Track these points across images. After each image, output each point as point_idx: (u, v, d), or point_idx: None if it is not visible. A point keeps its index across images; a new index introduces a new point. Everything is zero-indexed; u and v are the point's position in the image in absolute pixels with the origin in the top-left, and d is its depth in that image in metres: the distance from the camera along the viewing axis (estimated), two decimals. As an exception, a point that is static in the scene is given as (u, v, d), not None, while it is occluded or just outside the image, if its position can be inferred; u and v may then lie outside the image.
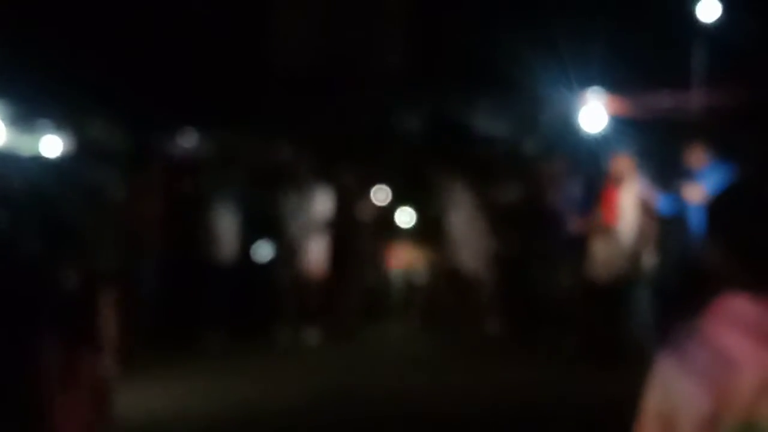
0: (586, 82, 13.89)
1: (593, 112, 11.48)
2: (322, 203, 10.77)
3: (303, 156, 11.26)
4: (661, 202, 9.38)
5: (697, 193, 8.86)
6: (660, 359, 2.23)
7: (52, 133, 12.92)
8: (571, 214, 10.04)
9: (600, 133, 11.06)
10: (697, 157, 9.28)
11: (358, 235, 11.13)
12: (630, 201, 9.40)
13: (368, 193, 11.22)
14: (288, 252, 10.80)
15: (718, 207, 2.35)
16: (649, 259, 9.45)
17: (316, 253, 10.76)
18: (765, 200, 2.25)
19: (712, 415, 2.12)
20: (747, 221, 2.24)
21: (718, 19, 12.38)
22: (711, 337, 2.18)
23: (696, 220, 8.90)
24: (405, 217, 11.04)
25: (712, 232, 2.32)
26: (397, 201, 11.15)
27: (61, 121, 13.42)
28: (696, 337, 2.20)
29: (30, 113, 13.38)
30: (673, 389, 2.17)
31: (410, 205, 11.03)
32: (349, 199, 11.03)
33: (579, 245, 9.89)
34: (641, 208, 9.40)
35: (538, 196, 10.63)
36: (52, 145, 12.38)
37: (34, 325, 2.84)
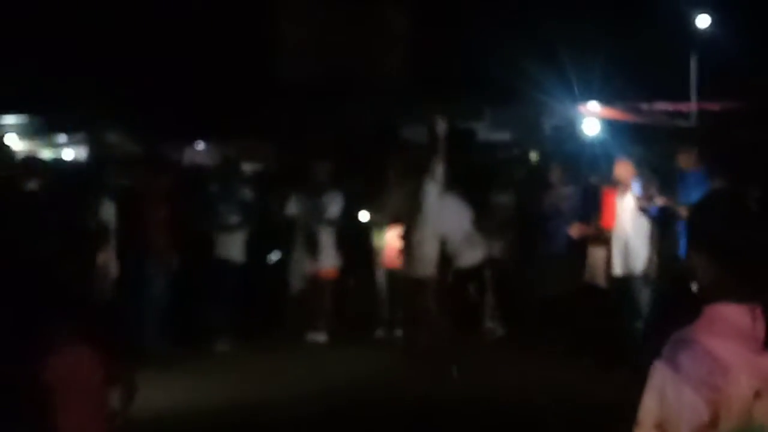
0: (586, 92, 14.24)
1: (592, 121, 11.70)
2: (332, 207, 11.00)
3: (312, 162, 11.47)
4: (654, 207, 9.57)
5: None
6: (655, 368, 2.27)
7: (72, 143, 13.20)
8: (571, 219, 10.22)
9: (599, 139, 11.25)
10: (688, 161, 9.54)
11: (366, 238, 11.41)
12: (629, 205, 9.47)
13: (375, 197, 11.41)
14: (297, 255, 11.02)
15: (697, 214, 2.43)
16: (647, 263, 9.51)
17: (325, 255, 10.98)
18: (743, 208, 2.29)
19: (710, 421, 2.19)
20: (725, 228, 2.27)
21: (711, 33, 12.67)
22: (704, 345, 2.23)
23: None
24: (407, 220, 11.11)
25: (694, 238, 2.37)
26: (400, 205, 11.23)
27: (81, 132, 13.69)
28: (690, 346, 2.24)
29: (52, 125, 13.63)
30: (670, 398, 2.21)
31: (413, 209, 11.08)
32: (357, 203, 11.30)
33: (579, 249, 10.07)
34: (639, 212, 9.51)
35: (539, 200, 10.78)
36: (71, 154, 12.66)
37: (48, 324, 2.85)
